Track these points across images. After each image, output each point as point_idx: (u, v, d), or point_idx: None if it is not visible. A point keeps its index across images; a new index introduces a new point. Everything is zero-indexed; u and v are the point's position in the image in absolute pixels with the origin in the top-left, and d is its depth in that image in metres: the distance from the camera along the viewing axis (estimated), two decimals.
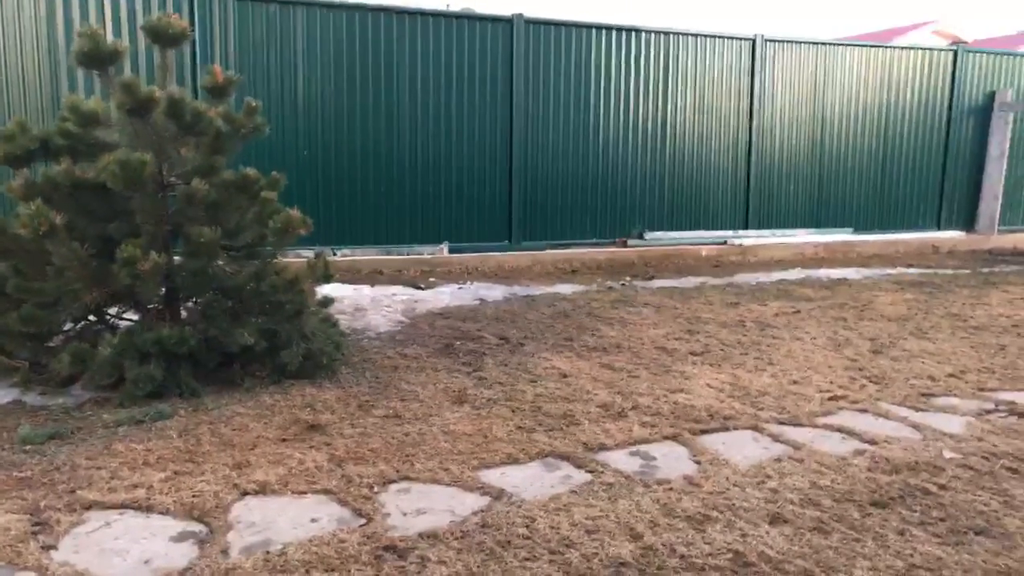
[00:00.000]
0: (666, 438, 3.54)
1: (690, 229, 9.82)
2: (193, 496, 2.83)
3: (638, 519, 2.73)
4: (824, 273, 8.62)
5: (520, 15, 8.70)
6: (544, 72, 8.91)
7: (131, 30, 7.25)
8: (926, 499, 2.96)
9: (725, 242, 9.85)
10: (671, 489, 2.99)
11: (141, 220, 4.06)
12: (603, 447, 3.40)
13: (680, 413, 3.87)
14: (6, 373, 4.09)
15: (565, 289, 7.42)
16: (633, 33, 9.28)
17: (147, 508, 2.75)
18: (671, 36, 9.48)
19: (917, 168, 11.00)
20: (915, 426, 3.79)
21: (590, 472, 3.14)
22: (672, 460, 3.30)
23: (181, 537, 2.56)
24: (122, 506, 2.76)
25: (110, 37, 4.30)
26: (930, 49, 11.15)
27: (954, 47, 11.45)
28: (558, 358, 4.88)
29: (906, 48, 11.04)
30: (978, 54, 11.38)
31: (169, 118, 4.05)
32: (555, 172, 9.09)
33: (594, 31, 9.07)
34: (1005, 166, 11.04)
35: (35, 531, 2.57)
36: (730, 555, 2.50)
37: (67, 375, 3.96)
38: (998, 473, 3.22)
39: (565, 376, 4.48)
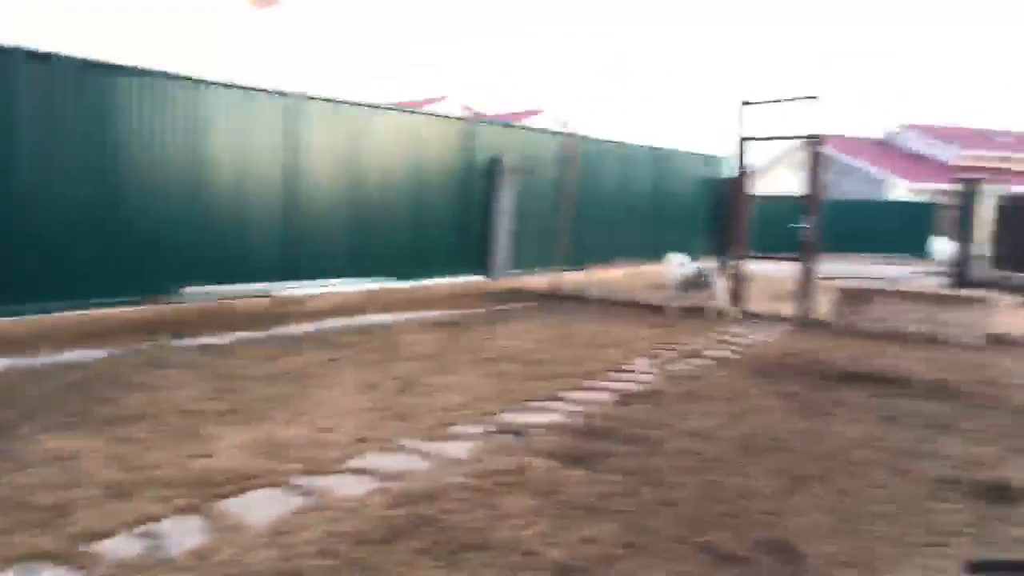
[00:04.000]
0: (181, 511, 3.28)
1: (232, 283, 9.49)
2: None
3: None
4: (366, 319, 9.04)
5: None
6: (60, 114, 7.84)
7: None
8: (431, 525, 3.20)
9: (269, 294, 9.74)
10: (176, 568, 2.75)
11: None
12: (100, 535, 3.00)
13: (202, 480, 3.63)
14: None
15: (84, 355, 6.53)
16: (161, 78, 8.72)
17: None
18: (204, 85, 9.14)
19: (444, 221, 12.28)
20: (430, 456, 4.11)
21: (80, 568, 2.73)
22: (184, 534, 3.05)
23: None
24: None
25: None
26: (449, 117, 12.62)
27: (467, 117, 13.13)
28: (61, 438, 4.22)
29: (430, 115, 12.32)
30: (486, 125, 13.21)
31: None
32: (65, 220, 8.01)
33: (113, 73, 8.29)
34: (510, 220, 12.94)
35: None
36: None
37: None
38: (492, 489, 3.64)
39: (67, 458, 3.88)
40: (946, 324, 8.44)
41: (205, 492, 3.47)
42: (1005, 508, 3.65)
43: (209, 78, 9.24)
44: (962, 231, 15.41)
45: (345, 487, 3.61)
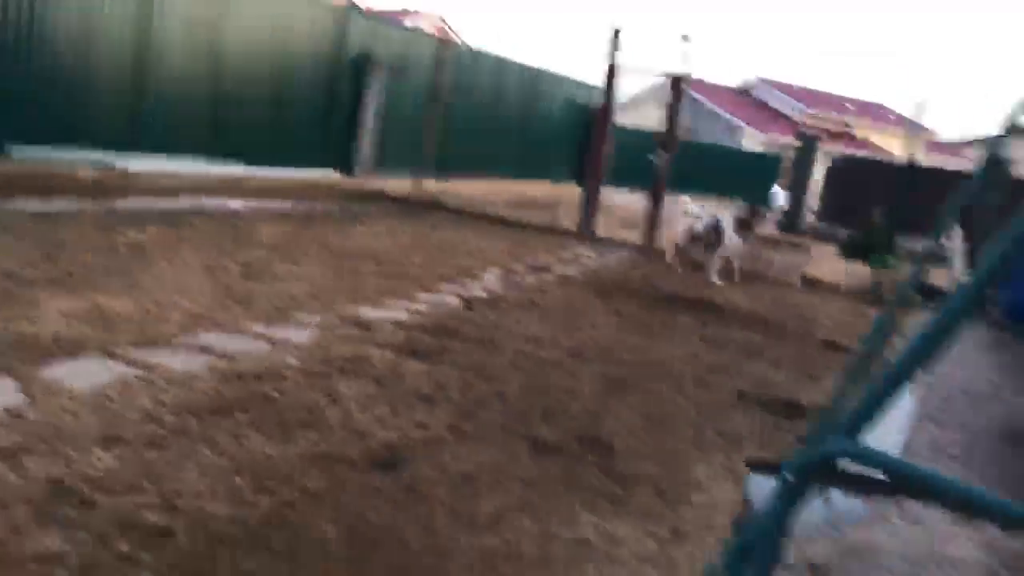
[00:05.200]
0: None
1: (70, 146, 8.75)
2: None
3: None
4: (216, 203, 8.63)
5: None
6: None
7: None
8: (264, 403, 3.24)
9: (112, 165, 9.07)
10: None
11: None
12: None
13: (21, 343, 3.45)
14: None
15: None
16: None
17: None
18: None
19: (308, 109, 11.77)
20: (270, 340, 4.10)
21: None
22: None
23: None
24: None
25: None
26: (321, 1, 11.93)
27: (345, 5, 12.49)
28: None
29: None
30: (362, 18, 12.66)
31: None
32: None
33: None
34: (376, 119, 12.61)
35: None
36: (48, 484, 2.34)
37: None
38: (330, 374, 3.71)
39: None
40: (771, 264, 9.19)
41: (25, 355, 3.31)
42: (790, 421, 4.14)
43: None
44: (796, 184, 16.65)
45: (177, 362, 3.55)
